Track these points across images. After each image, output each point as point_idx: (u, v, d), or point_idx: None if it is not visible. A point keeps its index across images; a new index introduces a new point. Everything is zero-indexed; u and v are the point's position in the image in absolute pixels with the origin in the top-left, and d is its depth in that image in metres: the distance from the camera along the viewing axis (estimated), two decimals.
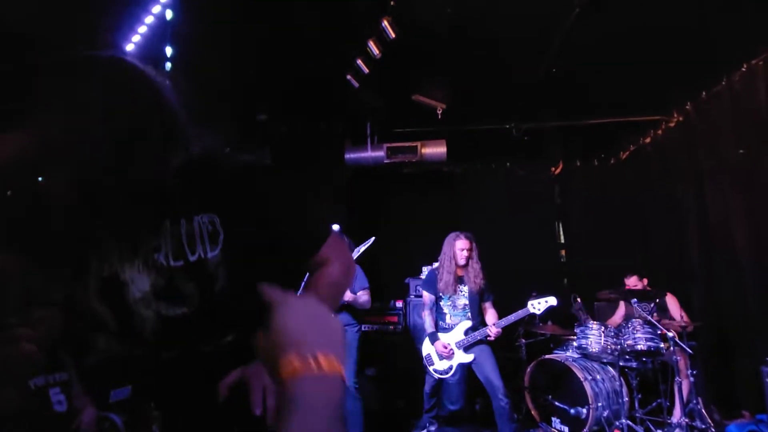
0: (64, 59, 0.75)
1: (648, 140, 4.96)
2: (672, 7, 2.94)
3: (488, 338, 3.13)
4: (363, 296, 3.12)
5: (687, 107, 4.29)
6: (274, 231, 0.90)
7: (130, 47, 2.18)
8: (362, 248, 3.00)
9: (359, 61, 3.34)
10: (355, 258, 2.93)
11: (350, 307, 3.12)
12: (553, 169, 5.63)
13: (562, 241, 5.63)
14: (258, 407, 0.76)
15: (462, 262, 3.28)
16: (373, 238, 3.08)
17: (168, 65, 2.52)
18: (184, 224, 0.82)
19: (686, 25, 3.08)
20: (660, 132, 4.75)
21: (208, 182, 0.85)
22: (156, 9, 2.13)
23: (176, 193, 0.81)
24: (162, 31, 2.22)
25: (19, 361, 0.75)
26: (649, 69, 3.68)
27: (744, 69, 3.55)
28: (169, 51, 2.30)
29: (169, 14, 2.15)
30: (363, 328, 3.36)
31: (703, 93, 4.04)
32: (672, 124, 4.55)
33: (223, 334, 0.85)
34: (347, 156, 4.67)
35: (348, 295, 2.98)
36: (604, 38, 3.26)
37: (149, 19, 2.16)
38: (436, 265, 3.58)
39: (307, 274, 1.00)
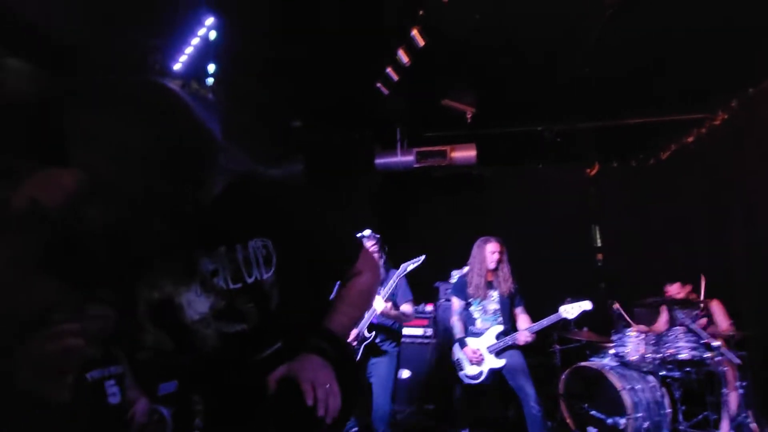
0: (103, 84, 0.78)
1: (691, 140, 4.73)
2: (712, 2, 2.82)
3: (518, 343, 3.10)
4: (407, 308, 3.00)
5: (733, 105, 4.08)
6: (317, 248, 0.98)
7: (177, 66, 2.35)
8: (410, 265, 2.88)
9: (389, 69, 3.42)
10: (403, 274, 2.87)
11: (387, 329, 2.96)
12: (588, 170, 5.47)
13: (599, 244, 5.46)
14: (310, 398, 0.82)
15: (492, 265, 3.27)
16: (423, 256, 3.01)
17: (210, 81, 2.69)
18: (240, 250, 0.88)
19: (731, 18, 2.95)
20: (704, 131, 4.53)
21: (256, 206, 0.90)
22: (202, 31, 2.29)
23: (225, 219, 0.87)
24: (206, 50, 2.38)
25: (65, 355, 0.77)
26: (692, 65, 3.54)
27: None
28: (211, 68, 2.46)
29: (213, 35, 2.31)
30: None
31: (750, 90, 3.83)
32: (717, 123, 4.34)
33: (275, 343, 0.92)
34: (377, 161, 4.75)
35: (391, 310, 2.79)
36: (643, 35, 3.17)
37: (195, 41, 2.33)
38: (465, 269, 3.58)
39: (339, 282, 1.08)
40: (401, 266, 2.87)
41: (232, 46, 2.49)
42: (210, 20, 2.27)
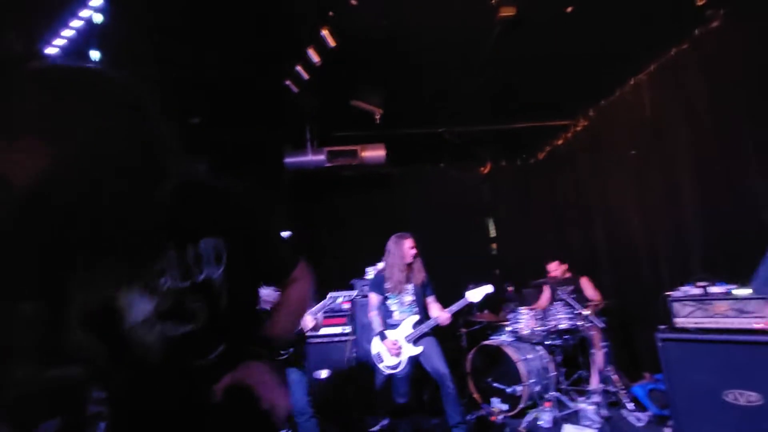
0: (49, 70, 0.73)
1: (560, 142, 5.58)
2: (576, 31, 3.39)
3: (440, 324, 3.33)
4: (320, 317, 2.95)
5: (590, 113, 4.91)
6: (264, 252, 0.99)
7: (52, 51, 2.00)
8: (339, 298, 2.80)
9: (299, 68, 3.37)
10: (330, 305, 2.80)
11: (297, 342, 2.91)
12: (481, 168, 6.08)
13: (493, 235, 6.11)
14: (266, 401, 0.82)
15: (410, 260, 3.45)
16: (356, 291, 2.98)
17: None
18: (191, 249, 0.85)
19: (588, 44, 3.56)
20: (570, 135, 5.37)
21: (207, 207, 0.89)
22: (85, 13, 1.98)
23: (176, 219, 0.84)
24: (88, 35, 2.07)
25: None
26: (560, 78, 4.16)
27: (632, 82, 4.18)
28: (95, 55, 2.15)
29: (97, 18, 2.01)
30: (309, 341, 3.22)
31: (602, 101, 4.66)
32: (579, 128, 5.18)
33: (219, 346, 0.88)
34: (287, 160, 4.64)
35: (310, 323, 2.74)
36: (522, 53, 3.65)
37: (76, 23, 2.01)
38: (380, 266, 3.71)
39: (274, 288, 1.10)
40: (329, 295, 2.82)
41: (123, 32, 2.21)
42: (95, 1, 1.98)
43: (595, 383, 3.78)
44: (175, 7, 2.32)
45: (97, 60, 2.20)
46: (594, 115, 4.90)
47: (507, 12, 3.03)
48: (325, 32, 3.03)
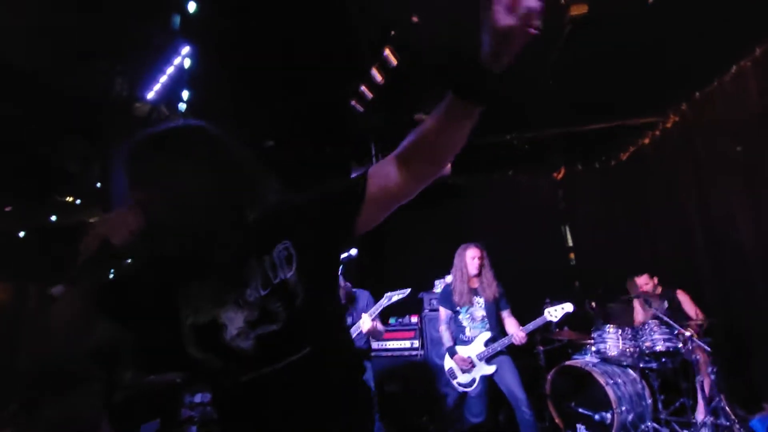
0: (154, 133, 0.92)
1: (647, 141, 5.06)
2: (661, 18, 3.06)
3: (514, 344, 3.16)
4: (378, 325, 2.87)
5: (683, 107, 4.40)
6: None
7: (150, 95, 2.29)
8: (395, 296, 2.79)
9: (363, 87, 3.47)
10: (387, 304, 2.81)
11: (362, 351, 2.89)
12: (555, 174, 5.72)
13: (570, 244, 5.69)
14: None
15: (474, 271, 3.32)
16: (409, 289, 2.92)
17: (182, 106, 2.64)
18: (267, 258, 0.94)
19: (678, 29, 3.20)
20: (658, 132, 4.85)
21: (282, 218, 0.98)
22: (177, 60, 2.25)
23: (258, 236, 0.94)
24: (180, 78, 2.34)
25: None
26: (644, 72, 3.79)
27: (734, 70, 3.67)
28: (185, 94, 2.40)
29: (187, 63, 2.27)
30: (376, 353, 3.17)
31: (697, 93, 4.14)
32: (669, 125, 4.66)
33: (303, 345, 0.93)
34: (353, 176, 4.76)
35: (368, 324, 2.69)
36: (599, 47, 3.38)
37: (170, 69, 2.28)
38: (449, 278, 3.63)
39: None
40: (386, 295, 2.81)
41: (206, 71, 2.45)
42: (185, 49, 2.23)
43: (702, 414, 3.31)
44: (247, 38, 2.51)
45: (186, 98, 2.46)
46: (686, 110, 4.38)
47: (579, 10, 2.84)
48: (387, 51, 3.08)
